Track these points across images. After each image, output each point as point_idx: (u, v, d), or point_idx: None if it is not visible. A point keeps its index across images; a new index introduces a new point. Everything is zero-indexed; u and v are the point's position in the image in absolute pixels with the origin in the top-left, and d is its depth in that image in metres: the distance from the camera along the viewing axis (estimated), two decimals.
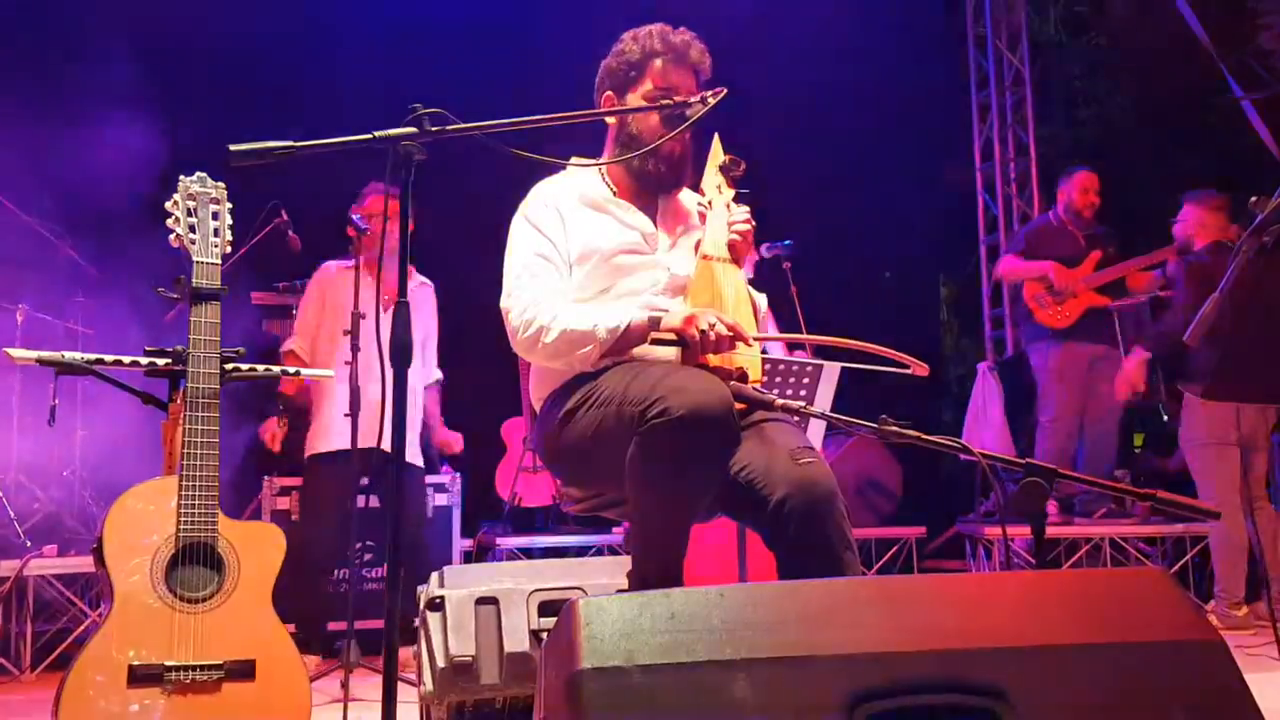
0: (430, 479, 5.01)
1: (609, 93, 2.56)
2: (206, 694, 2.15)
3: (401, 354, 1.93)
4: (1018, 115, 7.99)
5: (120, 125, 4.81)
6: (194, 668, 2.16)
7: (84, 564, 4.32)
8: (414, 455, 4.48)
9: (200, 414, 2.25)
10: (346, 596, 4.17)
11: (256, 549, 2.32)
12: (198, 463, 2.23)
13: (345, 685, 3.15)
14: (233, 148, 1.82)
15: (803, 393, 3.75)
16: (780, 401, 2.16)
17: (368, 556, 4.83)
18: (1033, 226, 6.34)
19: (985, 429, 6.46)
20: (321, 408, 4.39)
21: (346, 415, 3.95)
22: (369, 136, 1.96)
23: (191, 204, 2.37)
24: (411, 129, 1.98)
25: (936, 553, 7.29)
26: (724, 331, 2.20)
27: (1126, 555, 5.88)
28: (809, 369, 3.70)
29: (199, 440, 2.24)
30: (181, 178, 2.41)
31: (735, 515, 2.38)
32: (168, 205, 2.37)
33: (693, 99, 2.36)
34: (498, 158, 2.10)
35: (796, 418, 2.36)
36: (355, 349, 3.97)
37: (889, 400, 7.37)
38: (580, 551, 5.71)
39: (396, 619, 1.83)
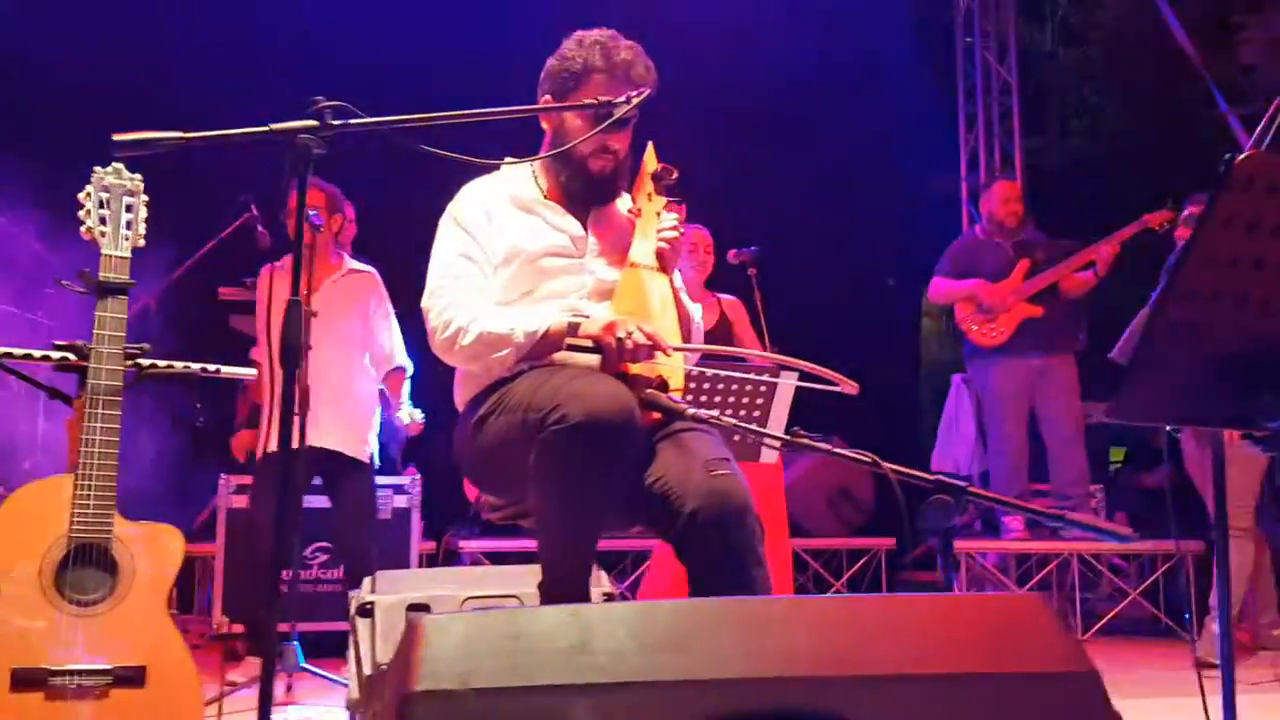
0: (389, 480, 4.97)
1: (547, 96, 2.50)
2: (92, 700, 2.09)
3: (293, 354, 1.89)
4: (1004, 126, 7.94)
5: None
6: (80, 672, 2.10)
7: None
8: (361, 451, 4.39)
9: (101, 411, 2.20)
10: (295, 597, 4.11)
11: (153, 551, 2.26)
12: (96, 461, 2.18)
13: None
14: (116, 137, 1.77)
15: (757, 411, 3.71)
16: (691, 411, 2.11)
17: (323, 558, 4.79)
18: (958, 244, 6.25)
19: (958, 442, 6.40)
20: (272, 406, 4.32)
21: (296, 414, 3.89)
22: (265, 129, 1.91)
23: (105, 195, 2.32)
24: (311, 122, 1.93)
25: (914, 565, 7.25)
26: (641, 340, 2.16)
27: (1097, 571, 5.82)
28: (763, 386, 3.65)
29: (98, 438, 2.19)
30: (96, 169, 2.36)
31: (651, 527, 2.33)
32: (80, 196, 2.32)
33: (618, 100, 2.31)
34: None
35: (711, 428, 2.30)
36: (306, 347, 3.91)
37: (865, 412, 7.33)
38: None
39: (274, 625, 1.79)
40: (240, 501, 4.75)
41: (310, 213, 4.14)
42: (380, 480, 4.94)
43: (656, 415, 2.21)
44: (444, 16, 6.65)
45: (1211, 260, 1.57)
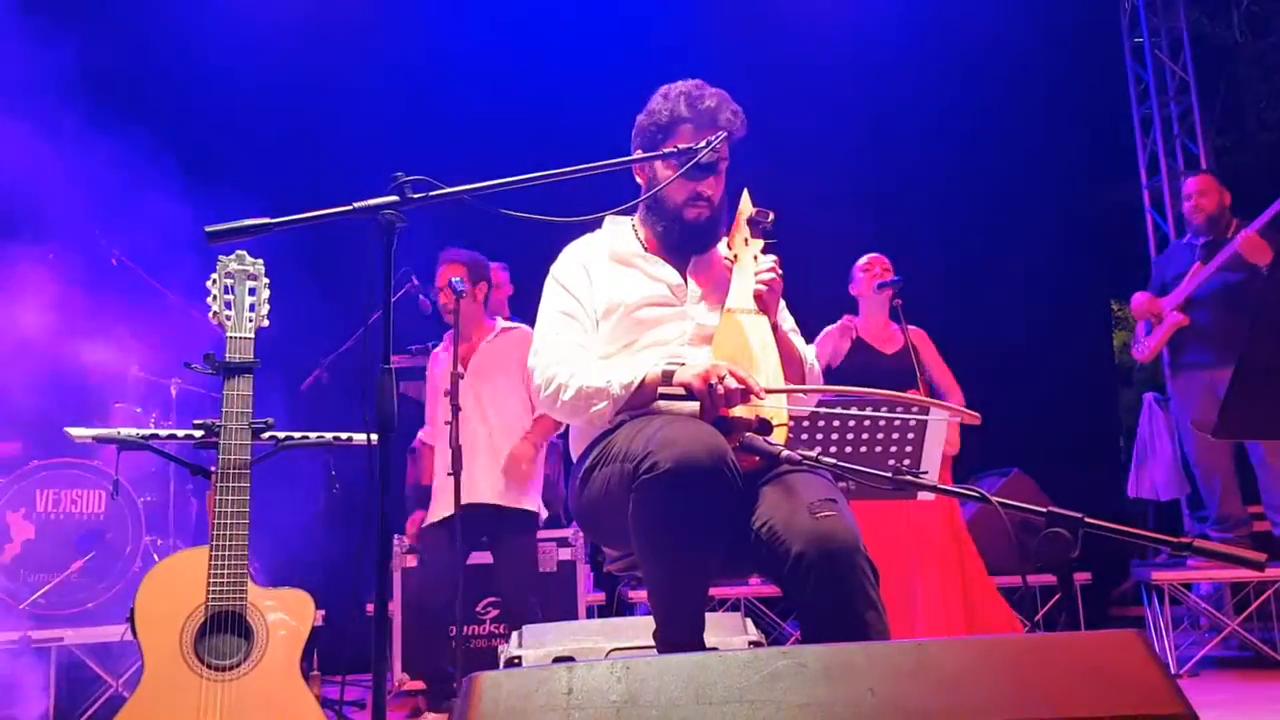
0: (553, 533, 5.04)
1: (638, 151, 2.53)
2: None
3: (388, 423, 1.94)
4: (1185, 126, 7.48)
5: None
6: None
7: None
8: (520, 503, 4.46)
9: (231, 484, 2.33)
10: (466, 652, 4.20)
11: (285, 615, 2.37)
12: (228, 532, 2.31)
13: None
14: (209, 229, 1.89)
15: (909, 448, 3.60)
16: (786, 452, 2.06)
17: (495, 613, 4.90)
18: (1164, 251, 5.83)
19: (1154, 464, 5.99)
20: (435, 477, 4.49)
21: (450, 474, 4.03)
22: (349, 208, 1.99)
23: (229, 281, 2.48)
24: (393, 197, 2.00)
25: (1120, 600, 6.81)
26: (733, 385, 2.13)
27: None
28: (912, 425, 3.55)
29: (230, 510, 2.32)
30: (220, 256, 2.52)
31: (762, 572, 2.28)
32: (208, 283, 2.49)
33: (699, 145, 2.32)
34: None
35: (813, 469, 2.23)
36: (456, 408, 4.05)
37: (1061, 437, 6.95)
38: (717, 604, 5.61)
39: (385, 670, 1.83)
40: (412, 561, 4.92)
41: (454, 280, 4.29)
42: (544, 534, 5.03)
43: (758, 459, 2.17)
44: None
45: None
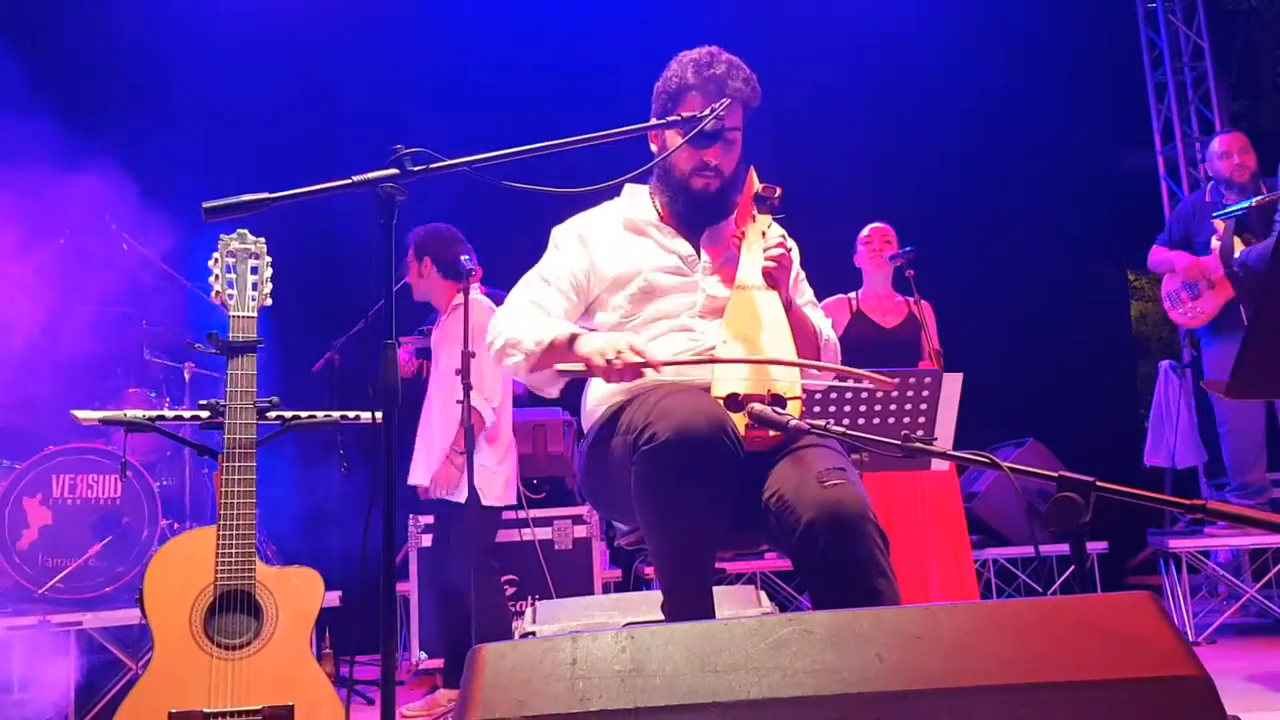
0: (567, 510, 5.05)
1: (654, 119, 2.50)
2: None
3: (389, 396, 1.93)
4: (1199, 92, 7.38)
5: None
6: (232, 714, 2.22)
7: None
8: (453, 492, 4.39)
9: (237, 464, 2.33)
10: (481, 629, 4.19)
11: (294, 594, 2.37)
12: (235, 512, 2.31)
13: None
14: (206, 204, 1.87)
15: (923, 405, 3.59)
16: (794, 422, 2.04)
17: (511, 590, 4.91)
18: (1182, 206, 5.71)
19: (1171, 432, 5.94)
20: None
21: (461, 453, 4.02)
22: (348, 181, 1.97)
23: (231, 260, 2.47)
24: (392, 170, 1.98)
25: (1137, 569, 6.78)
26: (631, 359, 2.09)
27: None
28: (928, 379, 3.56)
29: (236, 490, 2.32)
30: (222, 235, 2.51)
31: (772, 543, 2.26)
32: (209, 263, 2.48)
33: (703, 113, 2.28)
34: None
35: (822, 438, 2.21)
36: (467, 387, 4.02)
37: (1078, 406, 6.89)
38: (731, 579, 5.61)
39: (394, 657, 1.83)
40: (428, 540, 4.92)
41: (463, 259, 4.27)
42: (559, 511, 5.04)
43: (774, 434, 2.15)
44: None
45: None
